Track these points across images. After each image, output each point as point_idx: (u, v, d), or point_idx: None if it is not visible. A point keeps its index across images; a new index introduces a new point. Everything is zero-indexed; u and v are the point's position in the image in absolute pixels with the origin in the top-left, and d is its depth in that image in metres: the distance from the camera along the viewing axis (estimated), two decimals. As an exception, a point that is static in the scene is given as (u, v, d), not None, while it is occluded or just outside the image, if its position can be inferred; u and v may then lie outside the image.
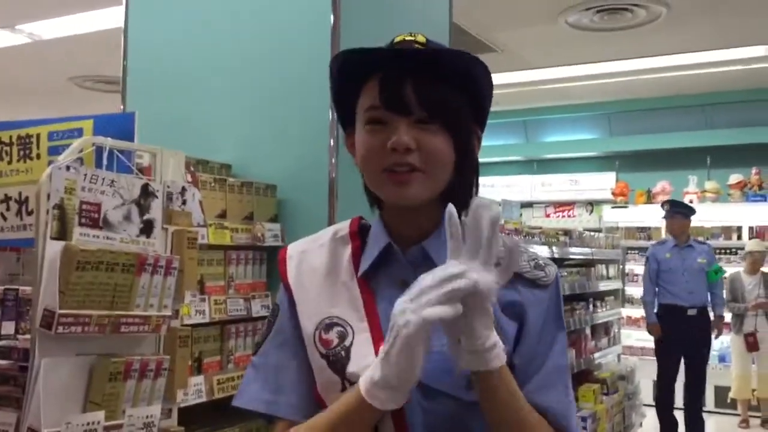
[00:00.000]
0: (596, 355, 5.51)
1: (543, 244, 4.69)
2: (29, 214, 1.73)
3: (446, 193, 1.11)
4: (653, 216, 8.99)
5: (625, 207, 9.21)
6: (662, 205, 6.63)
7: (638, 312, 8.82)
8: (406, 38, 1.14)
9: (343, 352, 1.11)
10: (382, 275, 1.15)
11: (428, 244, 1.13)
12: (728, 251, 8.64)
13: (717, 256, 8.65)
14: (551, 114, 10.02)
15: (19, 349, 1.63)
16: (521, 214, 6.82)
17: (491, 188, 10.02)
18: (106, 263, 1.51)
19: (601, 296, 5.88)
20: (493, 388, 1.01)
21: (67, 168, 1.53)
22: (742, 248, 8.05)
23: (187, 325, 1.92)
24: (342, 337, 1.12)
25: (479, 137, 1.19)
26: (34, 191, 1.55)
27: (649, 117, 9.45)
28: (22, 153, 1.83)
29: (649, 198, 9.00)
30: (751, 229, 8.62)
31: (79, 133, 1.76)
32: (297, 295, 1.18)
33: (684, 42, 7.06)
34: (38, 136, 1.82)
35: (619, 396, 5.45)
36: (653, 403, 6.74)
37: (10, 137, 1.84)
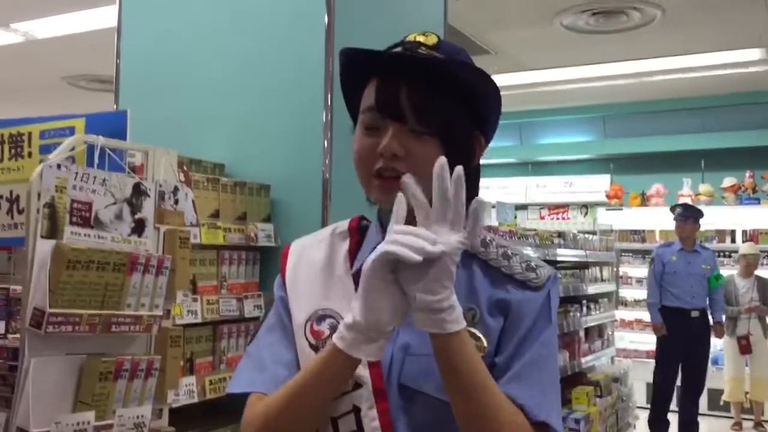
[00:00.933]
0: (590, 357, 5.50)
1: (537, 246, 4.69)
2: (20, 212, 1.72)
3: None
4: (647, 218, 9.03)
5: (620, 209, 9.23)
6: (672, 209, 6.63)
7: (632, 314, 8.85)
8: (417, 38, 1.13)
9: None
10: None
11: None
12: (722, 254, 8.66)
13: (712, 259, 8.72)
14: (546, 116, 10.03)
15: (9, 349, 1.61)
16: (516, 216, 6.83)
17: (486, 190, 10.02)
18: (97, 262, 1.50)
19: (594, 298, 5.88)
20: (451, 355, 0.99)
21: (59, 166, 1.52)
22: (736, 251, 8.07)
23: (178, 325, 1.91)
24: (333, 329, 1.13)
25: (481, 144, 1.18)
26: (25, 190, 1.54)
27: (643, 120, 9.47)
28: (13, 151, 1.82)
29: (644, 200, 9.02)
30: (744, 232, 8.64)
31: (71, 131, 1.75)
32: (290, 288, 1.20)
33: (678, 45, 7.08)
34: (30, 134, 1.81)
35: (612, 398, 5.45)
36: (647, 405, 6.75)
37: (2, 135, 1.83)
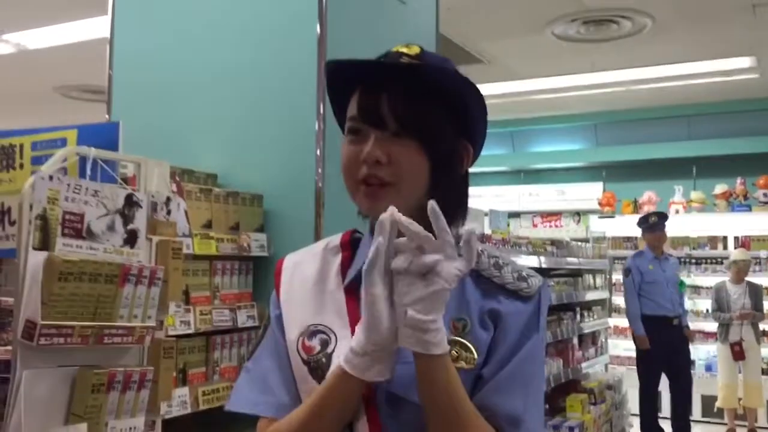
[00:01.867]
0: (584, 364, 5.51)
1: (530, 254, 4.70)
2: (12, 224, 1.71)
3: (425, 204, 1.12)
4: (640, 226, 9.06)
5: (612, 217, 9.26)
6: (649, 217, 6.64)
7: (625, 322, 8.84)
8: (401, 49, 1.15)
9: (324, 359, 1.12)
10: None
11: None
12: (714, 261, 8.70)
13: (703, 266, 8.76)
14: (538, 124, 10.08)
15: (1, 361, 1.60)
16: (509, 224, 6.84)
17: (479, 198, 10.04)
18: (89, 274, 1.49)
19: (588, 306, 5.89)
20: (431, 375, 1.00)
21: (50, 178, 1.51)
22: (728, 258, 8.11)
23: (171, 336, 1.91)
24: (325, 344, 1.14)
25: (469, 152, 1.19)
26: (17, 201, 1.53)
27: (635, 127, 9.53)
28: (5, 163, 1.82)
29: (636, 208, 9.05)
30: (736, 238, 8.68)
31: (63, 143, 1.76)
32: (285, 306, 1.21)
33: (669, 53, 7.12)
34: (21, 145, 1.81)
35: (606, 405, 5.45)
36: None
37: (-7, 147, 1.82)
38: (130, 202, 1.66)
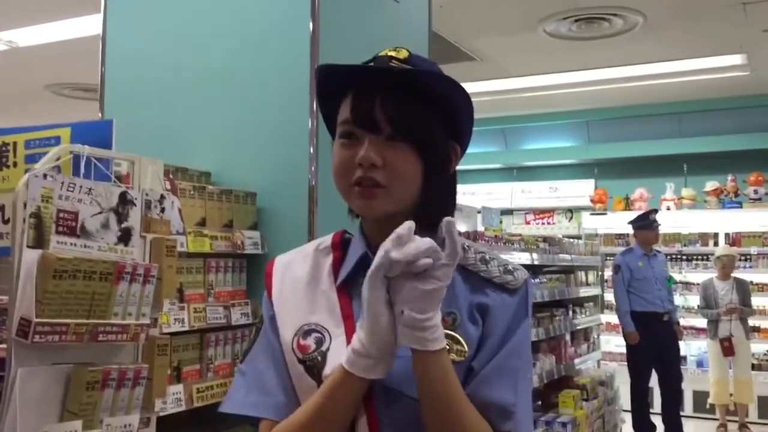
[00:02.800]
0: (576, 361, 5.54)
1: (523, 251, 4.72)
2: (6, 222, 1.71)
3: (420, 205, 1.15)
4: (632, 223, 9.09)
5: (604, 214, 9.29)
6: (649, 215, 6.67)
7: (617, 318, 8.91)
8: (389, 53, 1.17)
9: (319, 357, 1.14)
10: (359, 284, 1.17)
11: None
12: (705, 257, 8.74)
13: (694, 263, 8.80)
14: (530, 122, 10.10)
15: (-5, 359, 1.61)
16: (501, 222, 6.86)
17: (472, 196, 10.07)
18: (84, 272, 1.50)
19: (580, 302, 5.92)
20: (428, 371, 1.03)
21: (44, 176, 1.52)
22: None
23: (166, 334, 1.91)
24: (319, 342, 1.15)
25: (457, 152, 1.21)
26: (11, 200, 1.54)
27: (627, 125, 9.56)
28: (-2, 161, 1.82)
29: (628, 205, 9.09)
30: (727, 235, 8.73)
31: (57, 141, 1.76)
32: (278, 307, 1.22)
33: (661, 51, 7.15)
34: (15, 144, 1.81)
35: (598, 401, 5.48)
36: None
37: (-13, 145, 1.82)
38: (124, 200, 1.66)
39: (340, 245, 1.25)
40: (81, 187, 1.57)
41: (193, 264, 2.37)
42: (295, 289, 1.21)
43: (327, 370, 1.11)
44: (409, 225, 1.01)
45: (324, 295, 1.20)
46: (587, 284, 6.26)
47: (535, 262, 4.84)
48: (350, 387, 1.04)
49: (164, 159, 1.92)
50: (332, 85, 1.18)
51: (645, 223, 6.60)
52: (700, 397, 7.97)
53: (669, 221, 8.47)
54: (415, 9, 3.31)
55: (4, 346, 1.61)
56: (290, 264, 1.26)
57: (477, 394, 1.09)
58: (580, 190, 10.17)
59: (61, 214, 1.53)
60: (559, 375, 5.07)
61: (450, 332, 1.11)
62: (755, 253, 8.51)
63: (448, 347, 1.07)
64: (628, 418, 6.48)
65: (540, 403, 4.97)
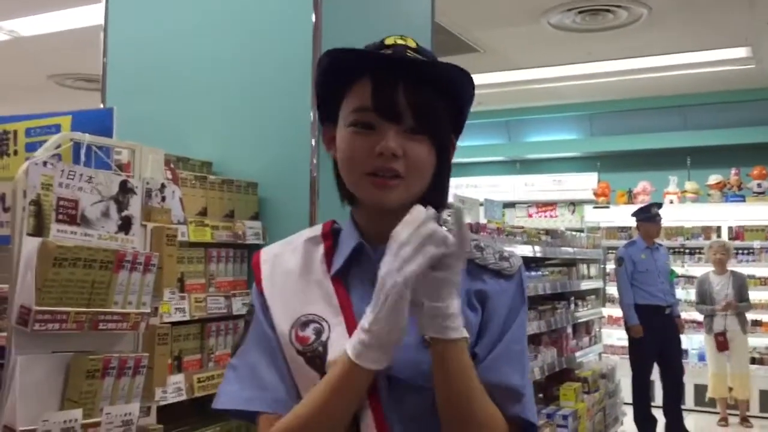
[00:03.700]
0: (577, 353, 5.54)
1: (525, 243, 4.71)
2: (6, 210, 1.71)
3: (425, 197, 1.15)
4: (634, 216, 9.08)
5: (607, 207, 9.28)
6: (651, 208, 6.65)
7: (619, 311, 8.87)
8: (398, 41, 1.15)
9: (320, 348, 1.12)
10: (354, 273, 1.18)
11: None
12: (708, 251, 8.72)
13: (697, 256, 8.78)
14: (533, 114, 10.07)
15: (-5, 347, 1.61)
16: (504, 214, 6.84)
17: (475, 188, 10.05)
18: (84, 260, 1.49)
19: (582, 295, 5.92)
20: (447, 360, 1.03)
21: (45, 164, 1.51)
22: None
23: (166, 323, 1.91)
24: (318, 333, 1.14)
25: (454, 144, 1.23)
26: (11, 188, 1.53)
27: (630, 117, 9.53)
28: (-2, 149, 1.81)
29: (630, 198, 9.07)
30: (730, 229, 8.71)
31: (57, 129, 1.75)
32: (270, 298, 1.19)
33: (665, 43, 7.12)
34: (15, 132, 1.80)
35: (600, 394, 5.49)
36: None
37: (-13, 133, 1.82)
38: (125, 189, 1.65)
39: (331, 234, 1.24)
40: (81, 175, 1.56)
41: (194, 254, 2.37)
42: (287, 280, 1.19)
43: (330, 359, 1.10)
44: (419, 209, 1.03)
45: (318, 285, 1.18)
46: (589, 277, 6.25)
47: (537, 255, 4.83)
48: (356, 378, 1.03)
49: (166, 149, 1.91)
50: (343, 69, 1.15)
51: (647, 216, 6.58)
52: (701, 391, 7.97)
53: (672, 215, 8.45)
54: (418, 0, 3.29)
55: (4, 334, 1.61)
56: (280, 255, 1.24)
57: (485, 379, 1.09)
58: (583, 183, 10.15)
59: (62, 202, 1.53)
60: (561, 368, 5.07)
61: None
62: (758, 246, 8.49)
63: None
64: (629, 411, 6.48)
65: (541, 395, 4.97)
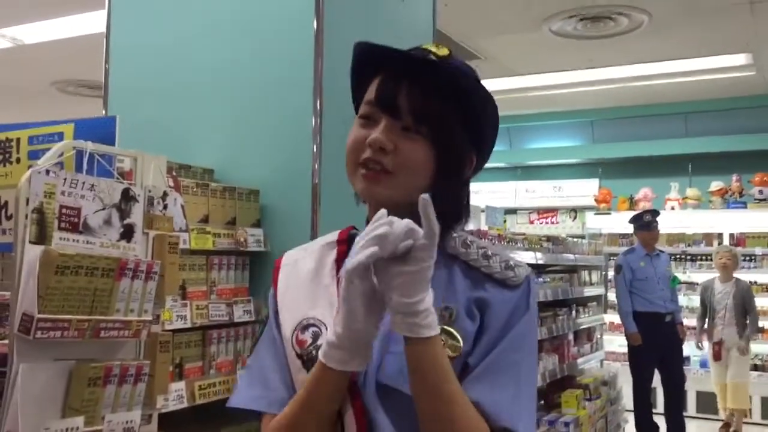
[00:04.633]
0: (579, 360, 5.53)
1: (527, 250, 4.71)
2: (8, 218, 1.71)
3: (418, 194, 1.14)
4: (636, 223, 9.07)
5: (608, 214, 9.28)
6: (644, 215, 6.64)
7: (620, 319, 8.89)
8: (430, 47, 1.16)
9: (314, 351, 1.14)
10: None
11: None
12: (709, 258, 8.72)
13: (698, 263, 8.78)
14: (535, 121, 10.08)
15: (-3, 355, 1.61)
16: (505, 221, 6.85)
17: (476, 194, 10.04)
18: (86, 267, 1.49)
19: (583, 302, 5.91)
20: (420, 359, 1.00)
21: (47, 172, 1.51)
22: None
23: (168, 331, 1.91)
24: (316, 336, 1.16)
25: (473, 161, 1.21)
26: (14, 195, 1.53)
27: (631, 124, 9.54)
28: (1, 157, 1.82)
29: (632, 205, 9.07)
30: (731, 235, 8.70)
31: (60, 137, 1.75)
32: (281, 302, 1.23)
33: (666, 50, 7.13)
34: (18, 140, 1.81)
35: (601, 401, 5.47)
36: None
37: (-10, 141, 1.82)
38: (127, 197, 1.66)
39: (347, 240, 1.25)
40: (84, 183, 1.57)
41: (195, 261, 2.37)
42: (299, 284, 1.22)
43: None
44: (382, 212, 1.00)
45: (325, 290, 1.20)
46: (591, 284, 6.25)
47: (539, 262, 4.83)
48: (328, 380, 1.03)
49: (167, 156, 1.91)
50: (366, 63, 1.18)
51: (640, 224, 6.58)
52: (703, 398, 7.95)
53: (673, 221, 8.46)
54: (420, 7, 3.30)
55: (6, 341, 1.61)
56: (297, 260, 1.27)
57: (470, 390, 1.06)
58: (585, 190, 10.16)
59: (64, 210, 1.53)
60: (562, 375, 5.06)
61: (446, 327, 1.09)
62: (760, 253, 8.48)
63: (443, 342, 1.06)
64: (630, 418, 6.47)
65: (542, 402, 4.97)
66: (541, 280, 4.87)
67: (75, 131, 1.75)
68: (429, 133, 1.12)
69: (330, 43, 2.62)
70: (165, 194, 1.78)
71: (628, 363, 6.74)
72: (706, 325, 7.40)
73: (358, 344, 1.01)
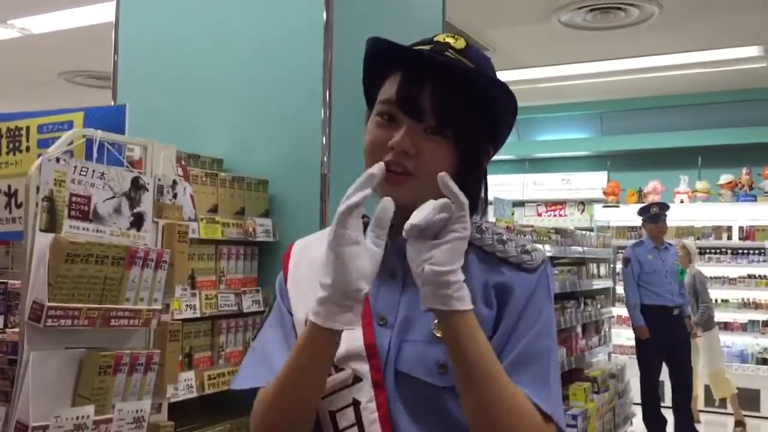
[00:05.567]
0: (587, 353, 5.52)
1: (535, 242, 4.69)
2: (18, 206, 1.71)
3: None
4: (644, 215, 9.03)
5: (617, 206, 9.24)
6: (651, 208, 6.61)
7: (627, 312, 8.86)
8: (447, 39, 1.15)
9: None
10: None
11: None
12: (719, 251, 8.68)
13: (707, 256, 8.74)
14: (543, 113, 10.04)
15: (8, 343, 1.61)
16: (513, 213, 6.82)
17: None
18: (96, 256, 1.49)
19: (592, 295, 5.89)
20: (457, 337, 0.99)
21: (57, 160, 1.51)
22: (733, 248, 8.06)
23: (177, 320, 1.91)
24: None
25: (489, 154, 1.21)
26: (24, 184, 1.53)
27: (640, 116, 9.49)
28: (11, 145, 1.82)
29: (641, 197, 9.03)
30: (741, 228, 8.66)
31: (70, 125, 1.75)
32: (291, 286, 1.23)
33: (676, 42, 7.08)
34: (28, 128, 1.81)
35: (609, 394, 5.47)
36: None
37: (0, 130, 1.82)
38: (137, 185, 1.66)
39: None
40: (94, 171, 1.56)
41: (204, 250, 2.37)
42: (310, 270, 1.21)
43: (339, 349, 1.10)
44: (386, 200, 1.02)
45: None
46: (599, 277, 6.23)
47: (547, 254, 4.81)
48: (316, 338, 1.02)
49: (177, 145, 1.91)
50: (380, 59, 1.16)
51: (646, 216, 6.57)
52: (710, 391, 7.93)
53: (683, 214, 8.42)
54: (429, -2, 3.29)
55: (16, 330, 1.61)
56: (309, 247, 1.27)
57: (510, 376, 1.05)
58: (593, 183, 10.12)
59: (74, 198, 1.53)
60: (570, 367, 5.05)
61: None
62: (769, 246, 8.44)
63: None
64: (638, 411, 6.46)
65: (551, 394, 4.95)
66: (549, 272, 4.85)
67: (85, 120, 1.74)
68: (452, 135, 1.11)
69: (339, 34, 2.61)
70: (174, 183, 1.78)
71: (635, 356, 6.72)
72: None
73: (344, 295, 0.99)
